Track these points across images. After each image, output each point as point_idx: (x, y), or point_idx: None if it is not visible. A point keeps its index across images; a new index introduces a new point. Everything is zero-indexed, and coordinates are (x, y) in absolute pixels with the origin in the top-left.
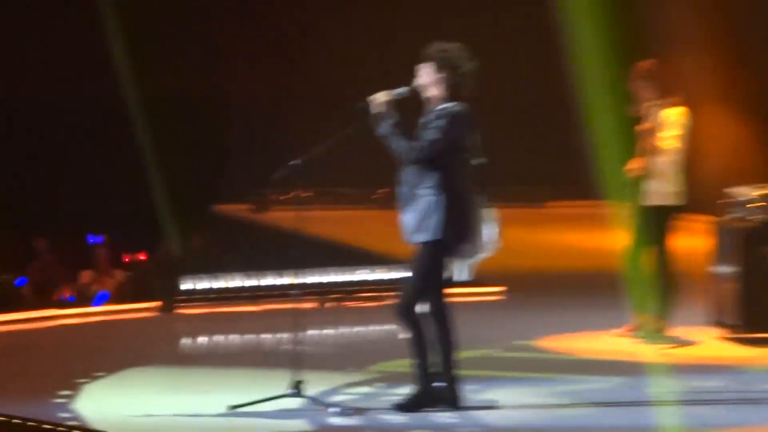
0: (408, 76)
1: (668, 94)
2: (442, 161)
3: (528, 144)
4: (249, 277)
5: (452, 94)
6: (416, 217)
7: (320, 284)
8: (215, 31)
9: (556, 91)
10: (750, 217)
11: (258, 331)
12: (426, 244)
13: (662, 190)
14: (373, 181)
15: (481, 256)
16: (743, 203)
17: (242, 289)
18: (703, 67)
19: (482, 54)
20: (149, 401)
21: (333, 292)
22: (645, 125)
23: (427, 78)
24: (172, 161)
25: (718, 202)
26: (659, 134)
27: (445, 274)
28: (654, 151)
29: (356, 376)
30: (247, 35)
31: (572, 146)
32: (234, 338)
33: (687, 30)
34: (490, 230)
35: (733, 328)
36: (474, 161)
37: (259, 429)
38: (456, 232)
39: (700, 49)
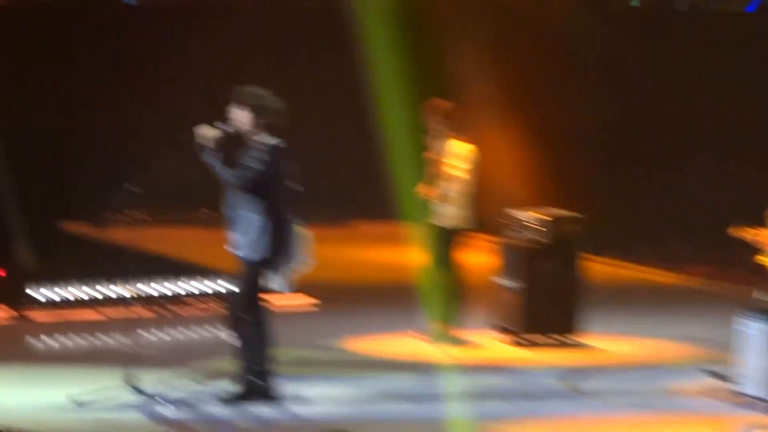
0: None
1: (458, 130)
2: (265, 188)
3: (336, 171)
4: (91, 286)
5: (266, 131)
6: (244, 238)
7: (154, 293)
8: (66, 60)
9: (359, 125)
10: (528, 237)
11: (98, 335)
12: (253, 260)
13: (451, 213)
14: (199, 203)
15: (298, 269)
16: (522, 224)
17: (85, 297)
18: (490, 100)
19: (292, 92)
20: (2, 395)
21: (165, 301)
22: (435, 154)
23: (243, 119)
24: (21, 182)
25: (500, 222)
26: (447, 162)
27: (267, 286)
28: (443, 177)
29: (185, 374)
30: (97, 67)
31: (374, 173)
32: (77, 341)
33: (475, 65)
34: (305, 247)
35: (513, 332)
36: (291, 187)
37: (99, 419)
38: (278, 250)
39: (487, 84)
